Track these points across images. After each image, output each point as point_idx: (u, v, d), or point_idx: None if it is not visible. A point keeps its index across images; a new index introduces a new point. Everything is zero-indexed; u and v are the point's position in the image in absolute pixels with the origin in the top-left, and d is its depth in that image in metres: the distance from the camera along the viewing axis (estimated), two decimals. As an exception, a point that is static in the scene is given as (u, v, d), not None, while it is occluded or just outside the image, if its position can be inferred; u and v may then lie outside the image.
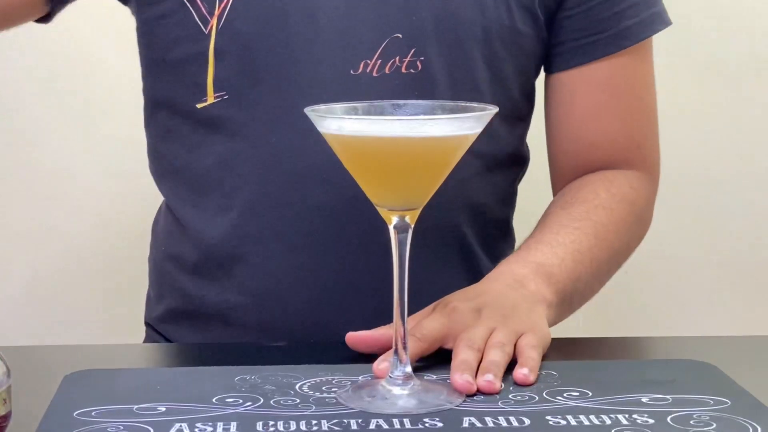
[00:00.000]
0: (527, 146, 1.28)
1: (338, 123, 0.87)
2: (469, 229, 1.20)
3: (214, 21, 1.11)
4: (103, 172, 2.07)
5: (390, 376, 0.90)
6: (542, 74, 1.25)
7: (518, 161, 1.26)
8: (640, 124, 1.24)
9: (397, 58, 1.11)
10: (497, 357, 0.93)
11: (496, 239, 1.25)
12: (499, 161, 1.22)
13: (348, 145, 0.88)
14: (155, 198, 2.06)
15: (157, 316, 1.27)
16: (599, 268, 1.15)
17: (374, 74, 1.11)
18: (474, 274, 1.19)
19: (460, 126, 0.86)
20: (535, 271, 1.08)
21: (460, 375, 0.90)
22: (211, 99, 1.14)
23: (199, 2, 1.12)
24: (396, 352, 0.90)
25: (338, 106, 0.92)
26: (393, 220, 0.89)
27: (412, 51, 1.10)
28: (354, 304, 1.15)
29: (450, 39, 1.13)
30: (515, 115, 1.22)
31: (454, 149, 0.88)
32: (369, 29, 1.11)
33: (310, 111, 0.88)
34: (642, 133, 1.24)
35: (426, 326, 0.97)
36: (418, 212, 0.90)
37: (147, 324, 1.32)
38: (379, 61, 1.11)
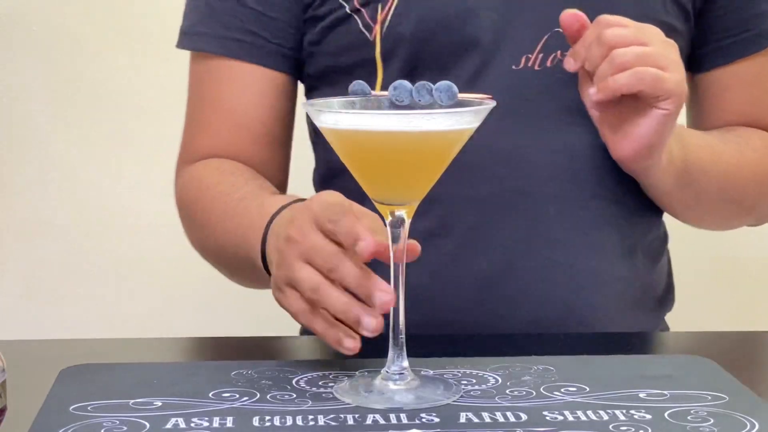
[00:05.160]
0: None
1: (335, 117, 0.87)
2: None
3: (378, 27, 1.13)
4: (101, 169, 2.07)
5: (387, 371, 0.90)
6: None
7: None
8: None
9: (559, 52, 1.13)
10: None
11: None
12: None
13: (345, 140, 0.87)
14: (153, 194, 2.06)
15: None
16: (719, 174, 1.18)
17: (536, 68, 1.13)
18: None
19: (458, 120, 0.86)
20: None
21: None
22: None
23: (364, 11, 1.14)
24: (393, 346, 0.89)
25: (335, 100, 0.92)
26: (390, 215, 0.88)
27: None
28: (517, 295, 1.15)
29: None
30: None
31: (451, 144, 0.87)
32: (529, 24, 1.13)
33: (307, 105, 0.88)
34: None
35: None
36: (415, 207, 0.89)
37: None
38: (540, 55, 1.13)
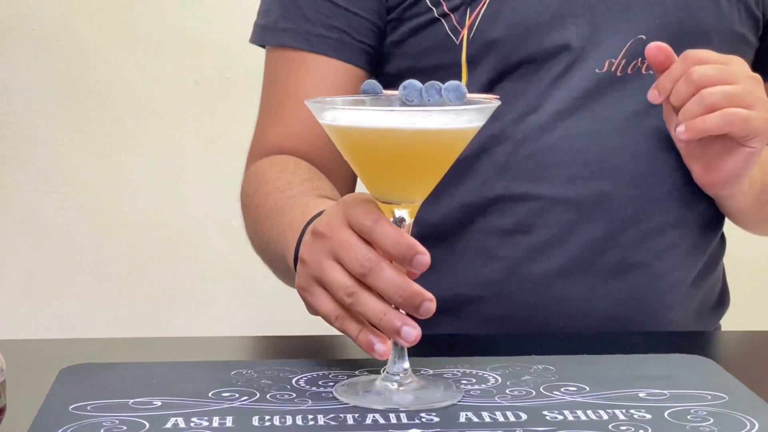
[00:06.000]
0: None
1: (333, 114, 0.87)
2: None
3: (465, 32, 1.15)
4: (101, 168, 2.07)
5: (387, 372, 0.90)
6: None
7: None
8: None
9: (639, 60, 1.15)
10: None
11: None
12: None
13: (344, 137, 0.87)
14: (153, 194, 2.06)
15: None
16: None
17: (618, 74, 1.15)
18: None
19: (456, 119, 0.86)
20: None
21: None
22: None
23: (452, 16, 1.15)
24: (394, 347, 0.89)
25: (339, 99, 0.92)
26: (391, 214, 0.88)
27: None
28: (593, 293, 1.16)
29: (690, 45, 1.14)
30: None
31: (453, 142, 0.87)
32: (614, 30, 1.15)
33: (309, 103, 0.88)
34: None
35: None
36: (417, 206, 0.89)
37: None
38: (623, 61, 1.15)
